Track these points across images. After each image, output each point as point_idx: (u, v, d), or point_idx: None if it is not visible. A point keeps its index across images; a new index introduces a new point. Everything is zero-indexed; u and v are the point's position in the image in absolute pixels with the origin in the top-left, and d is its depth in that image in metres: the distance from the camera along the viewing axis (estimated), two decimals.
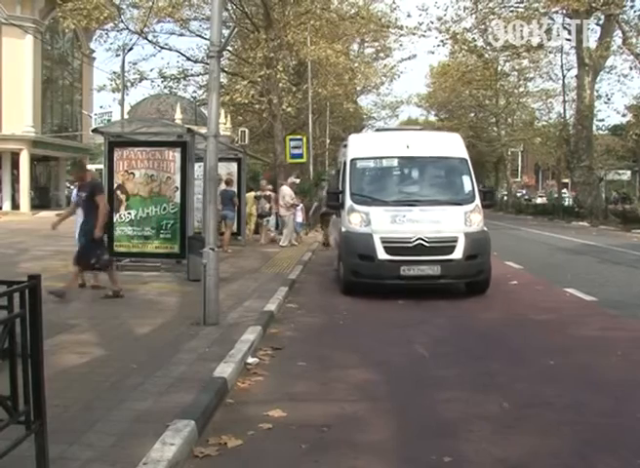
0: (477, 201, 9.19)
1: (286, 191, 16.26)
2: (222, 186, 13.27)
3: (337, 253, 10.32)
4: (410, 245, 8.57)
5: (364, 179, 9.79)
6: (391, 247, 8.63)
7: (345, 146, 10.70)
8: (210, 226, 6.89)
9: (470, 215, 8.97)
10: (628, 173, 47.55)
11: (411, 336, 6.64)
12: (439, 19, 28.02)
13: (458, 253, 8.63)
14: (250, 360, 5.53)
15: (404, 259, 8.56)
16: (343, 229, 9.32)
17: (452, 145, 10.04)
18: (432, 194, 9.53)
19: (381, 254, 8.63)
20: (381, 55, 39.29)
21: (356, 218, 9.05)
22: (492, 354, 6.01)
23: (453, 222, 8.87)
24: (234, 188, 14.79)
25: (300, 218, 17.27)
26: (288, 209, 16.03)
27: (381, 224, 8.81)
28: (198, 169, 11.81)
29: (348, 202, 9.26)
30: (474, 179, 9.54)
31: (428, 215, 8.82)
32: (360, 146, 10.18)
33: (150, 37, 21.72)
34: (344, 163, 10.08)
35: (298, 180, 20.23)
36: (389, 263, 8.60)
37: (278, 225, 17.12)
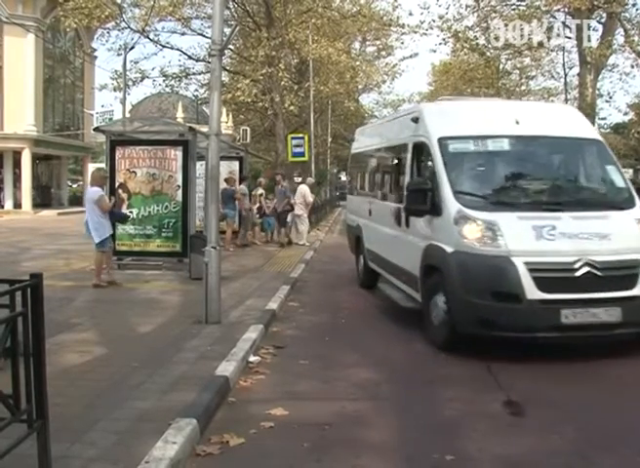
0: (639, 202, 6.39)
1: (307, 190, 16.26)
2: (223, 185, 13.26)
3: (397, 275, 7.82)
4: (574, 274, 5.44)
5: (470, 170, 6.67)
6: (545, 278, 5.47)
7: (415, 121, 7.12)
8: (211, 225, 6.90)
9: None
10: (630, 171, 47.40)
11: (412, 335, 6.63)
12: (441, 17, 27.88)
13: None
14: (252, 358, 5.54)
15: (567, 298, 5.43)
16: (449, 249, 5.93)
17: (576, 122, 7.18)
18: (577, 193, 6.64)
19: (532, 292, 5.41)
20: (383, 53, 39.29)
21: (474, 231, 5.81)
22: (493, 353, 6.00)
23: (625, 236, 5.84)
24: (235, 187, 14.77)
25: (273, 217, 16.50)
26: (304, 207, 16.05)
27: (522, 241, 5.64)
28: (200, 167, 11.81)
29: (454, 205, 6.02)
30: (622, 171, 6.88)
31: (589, 226, 5.77)
32: (448, 121, 6.84)
33: (152, 36, 21.79)
34: (415, 145, 7.08)
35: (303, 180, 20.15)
36: (544, 305, 5.42)
37: (270, 225, 17.07)
